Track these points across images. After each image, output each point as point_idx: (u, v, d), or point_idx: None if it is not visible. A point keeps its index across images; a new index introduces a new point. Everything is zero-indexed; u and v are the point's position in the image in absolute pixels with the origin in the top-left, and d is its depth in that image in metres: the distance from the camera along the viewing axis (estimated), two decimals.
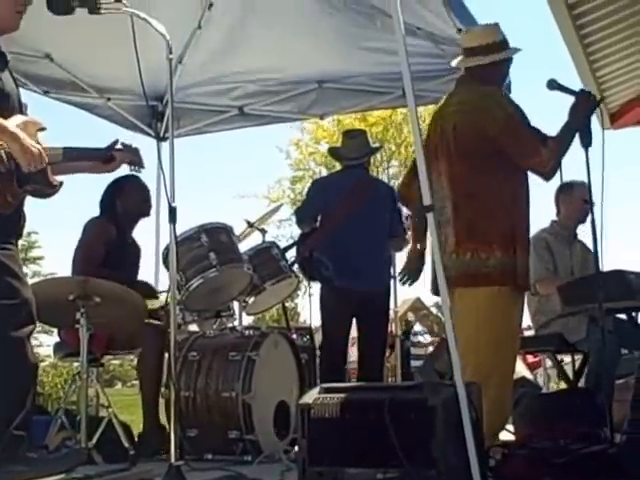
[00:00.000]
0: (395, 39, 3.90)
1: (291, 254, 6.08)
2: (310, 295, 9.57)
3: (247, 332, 5.43)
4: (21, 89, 3.76)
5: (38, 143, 3.49)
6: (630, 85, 7.99)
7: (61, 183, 3.65)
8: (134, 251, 5.73)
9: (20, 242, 3.72)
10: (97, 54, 6.46)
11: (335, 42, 6.40)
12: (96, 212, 5.61)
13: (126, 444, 4.59)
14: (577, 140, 4.18)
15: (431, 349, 10.34)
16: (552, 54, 28.44)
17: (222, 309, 5.66)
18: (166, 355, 4.92)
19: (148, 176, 5.37)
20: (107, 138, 4.22)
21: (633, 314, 5.29)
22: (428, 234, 4.42)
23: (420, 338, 11.36)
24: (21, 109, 3.62)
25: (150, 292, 5.74)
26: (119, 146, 4.21)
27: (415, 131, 3.90)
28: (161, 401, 5.08)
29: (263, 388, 4.95)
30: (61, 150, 3.73)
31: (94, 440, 4.47)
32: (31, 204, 3.64)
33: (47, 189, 3.60)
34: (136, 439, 5.02)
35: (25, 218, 3.61)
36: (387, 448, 3.40)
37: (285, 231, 22.49)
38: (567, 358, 6.41)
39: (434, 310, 19.56)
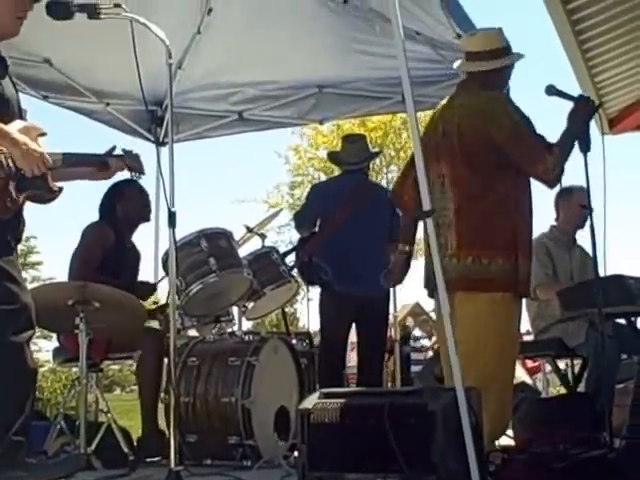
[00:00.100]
0: (394, 44, 3.90)
1: (290, 259, 6.08)
2: (309, 300, 9.59)
3: (247, 337, 5.42)
4: (20, 94, 3.75)
5: (39, 148, 3.49)
6: (629, 90, 7.99)
7: (61, 189, 3.65)
8: (134, 255, 5.73)
9: (19, 247, 3.72)
10: (96, 59, 6.47)
11: (334, 47, 6.41)
12: (95, 217, 5.61)
13: (125, 449, 4.58)
14: (576, 145, 4.19)
15: (431, 354, 10.34)
16: (551, 59, 28.50)
17: (221, 314, 5.66)
18: (165, 360, 4.92)
19: (147, 181, 5.37)
20: (106, 143, 4.24)
21: (632, 319, 5.28)
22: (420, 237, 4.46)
23: (421, 342, 11.35)
24: (21, 114, 3.62)
25: (150, 290, 5.76)
26: (118, 152, 4.21)
27: (415, 137, 3.91)
28: (160, 406, 5.09)
29: (263, 393, 4.95)
30: (61, 156, 3.73)
31: (93, 445, 4.46)
32: (30, 209, 3.64)
33: (47, 194, 3.60)
34: (135, 444, 5.01)
35: (25, 223, 3.61)
36: (387, 453, 3.40)
37: (284, 236, 22.49)
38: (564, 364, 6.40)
39: (434, 315, 19.51)
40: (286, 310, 6.98)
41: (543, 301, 5.72)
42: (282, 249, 6.35)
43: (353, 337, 6.36)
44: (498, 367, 4.23)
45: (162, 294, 6.09)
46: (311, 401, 3.72)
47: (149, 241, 7.19)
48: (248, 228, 6.19)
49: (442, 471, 3.36)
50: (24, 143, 3.40)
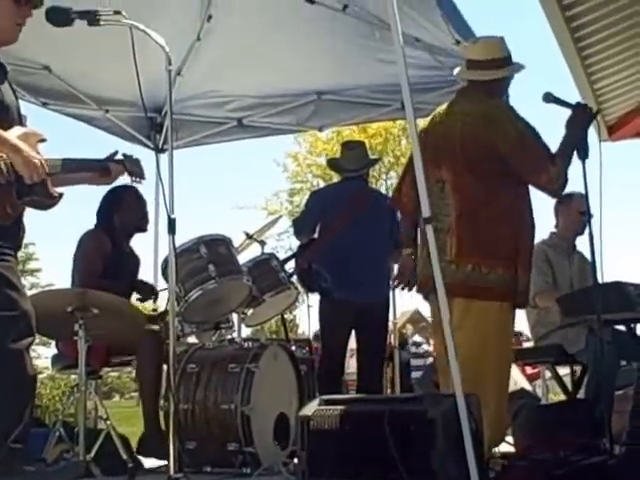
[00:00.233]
0: (394, 50, 3.91)
1: (290, 266, 6.08)
2: (309, 307, 9.58)
3: (246, 344, 5.42)
4: (20, 101, 3.75)
5: (38, 154, 3.49)
6: (628, 97, 8.00)
7: (61, 194, 3.64)
8: (133, 260, 5.73)
9: (18, 254, 3.71)
10: (96, 66, 6.48)
11: (334, 54, 6.42)
12: (93, 223, 5.60)
13: (124, 457, 4.57)
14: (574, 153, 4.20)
15: (431, 360, 10.32)
16: (550, 66, 28.54)
17: (221, 321, 5.64)
18: (165, 367, 4.91)
19: (147, 188, 5.37)
20: (106, 150, 4.22)
21: (632, 325, 5.28)
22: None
23: (424, 348, 11.33)
24: (21, 121, 3.62)
25: (152, 290, 5.76)
26: (119, 157, 4.21)
27: (414, 144, 3.91)
28: (160, 413, 5.07)
29: (262, 400, 4.93)
30: (60, 161, 3.72)
31: (92, 453, 4.44)
32: (28, 216, 3.63)
33: (47, 200, 3.59)
34: (137, 445, 5.01)
35: (24, 230, 3.60)
36: (387, 460, 3.39)
37: (284, 243, 22.47)
38: (565, 370, 6.39)
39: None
40: (285, 317, 6.98)
41: (543, 308, 5.72)
42: (281, 256, 6.36)
43: (353, 344, 6.35)
44: (496, 374, 4.24)
45: (162, 301, 6.08)
46: (311, 408, 3.72)
47: (148, 248, 7.19)
48: (247, 235, 6.18)
49: (442, 478, 3.36)
50: (23, 149, 3.40)
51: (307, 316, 9.93)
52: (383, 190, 18.83)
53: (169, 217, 3.87)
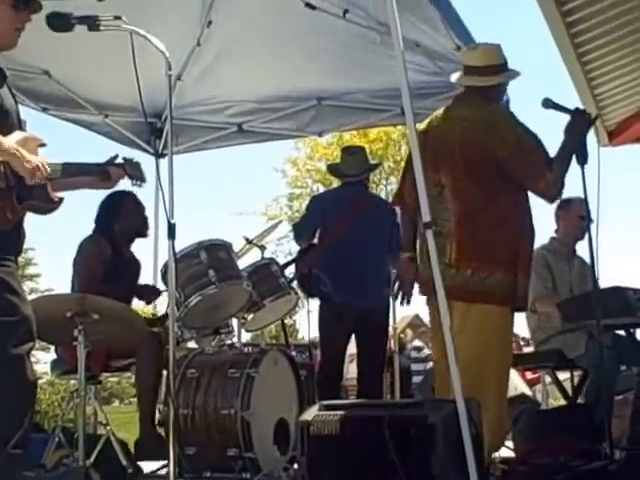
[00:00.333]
0: (394, 56, 3.91)
1: (290, 271, 6.08)
2: (309, 312, 9.57)
3: (246, 349, 5.42)
4: (19, 106, 3.75)
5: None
6: (628, 102, 8.00)
7: (61, 199, 3.64)
8: (133, 265, 5.73)
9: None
10: (96, 71, 6.48)
11: (334, 59, 6.43)
12: (92, 230, 5.60)
13: (124, 462, 4.56)
14: (573, 158, 4.21)
15: (431, 364, 10.31)
16: (550, 72, 28.54)
17: (221, 326, 5.64)
18: (165, 372, 4.91)
19: (147, 193, 5.37)
20: (105, 155, 4.22)
21: (632, 330, 5.29)
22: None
23: (424, 352, 11.32)
24: (20, 126, 3.61)
25: (155, 292, 5.77)
26: (119, 161, 4.21)
27: (414, 148, 3.91)
28: (159, 417, 5.07)
29: (262, 405, 4.93)
30: (60, 166, 3.72)
31: (92, 458, 4.43)
32: (27, 221, 3.63)
33: (47, 205, 3.59)
34: (133, 448, 5.00)
35: (25, 235, 3.60)
36: (387, 466, 3.39)
37: (283, 247, 22.49)
38: (565, 375, 6.39)
39: None
40: (285, 322, 6.97)
41: (543, 313, 5.72)
42: (281, 260, 6.35)
43: (353, 349, 6.35)
44: (497, 378, 4.24)
45: (161, 305, 6.09)
46: (311, 413, 3.72)
47: (148, 253, 7.19)
48: (247, 240, 6.18)
49: None
50: (23, 153, 3.39)
51: (307, 321, 9.92)
52: (383, 195, 18.87)
53: (169, 222, 3.87)
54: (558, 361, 5.73)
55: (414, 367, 10.61)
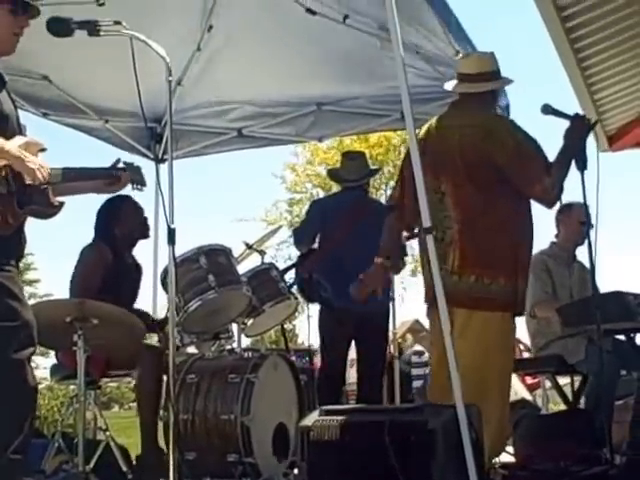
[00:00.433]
0: (394, 61, 3.92)
1: (290, 276, 6.08)
2: (309, 317, 9.57)
3: (246, 354, 5.42)
4: (19, 111, 3.75)
5: None
6: (628, 107, 8.02)
7: (62, 203, 3.64)
8: (135, 270, 5.72)
9: None
10: (96, 76, 6.48)
11: (334, 64, 6.42)
12: (92, 232, 5.59)
13: (124, 468, 4.56)
14: (573, 164, 4.21)
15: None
16: (550, 77, 28.58)
17: (221, 331, 5.64)
18: (165, 377, 4.90)
19: (146, 198, 5.37)
20: (106, 160, 4.23)
21: (632, 335, 5.29)
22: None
23: (425, 357, 11.30)
24: (20, 130, 3.62)
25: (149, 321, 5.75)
26: (121, 165, 4.21)
27: (414, 154, 3.91)
28: (159, 424, 5.06)
29: (262, 410, 4.93)
30: (60, 171, 3.73)
31: (92, 464, 4.43)
32: (27, 225, 3.62)
33: (48, 210, 3.59)
34: (134, 462, 4.99)
35: (26, 240, 3.60)
36: (387, 471, 3.38)
37: (283, 252, 22.47)
38: (565, 379, 6.39)
39: None
40: (285, 327, 6.97)
41: (543, 318, 5.71)
42: (281, 265, 6.35)
43: (353, 354, 6.34)
44: (499, 384, 4.24)
45: (161, 310, 6.08)
46: (311, 418, 3.71)
47: (148, 258, 7.18)
48: (247, 245, 6.18)
49: None
50: (24, 155, 3.40)
51: (307, 326, 9.92)
52: (383, 200, 18.82)
53: (169, 227, 3.87)
54: (558, 366, 5.73)
55: (414, 372, 10.58)
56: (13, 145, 3.40)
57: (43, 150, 3.57)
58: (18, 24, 3.57)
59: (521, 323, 5.29)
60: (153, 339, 5.92)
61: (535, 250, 5.72)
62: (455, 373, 3.55)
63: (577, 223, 5.77)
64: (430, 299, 4.28)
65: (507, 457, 5.11)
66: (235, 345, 5.69)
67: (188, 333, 5.42)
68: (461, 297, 4.17)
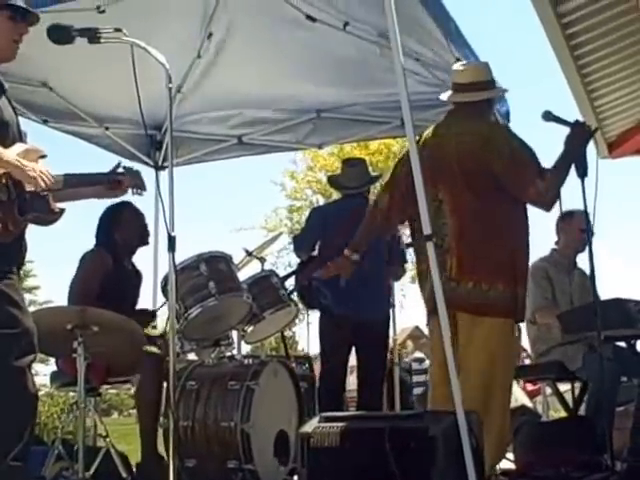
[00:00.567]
0: (394, 68, 3.92)
1: (290, 283, 6.08)
2: (309, 324, 9.56)
3: (246, 361, 5.41)
4: (20, 118, 3.75)
5: None
6: (628, 115, 8.03)
7: (62, 210, 3.64)
8: (135, 277, 5.73)
9: None
10: (96, 83, 6.48)
11: (333, 71, 6.43)
12: (91, 239, 5.61)
13: (124, 474, 4.55)
14: (573, 170, 4.22)
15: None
16: (550, 84, 28.61)
17: (221, 338, 5.63)
18: (165, 384, 4.90)
19: (147, 205, 5.37)
20: (106, 166, 4.22)
21: (632, 342, 5.28)
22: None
23: (425, 364, 11.29)
24: (21, 137, 3.62)
25: (149, 317, 5.75)
26: (120, 169, 4.21)
27: (414, 161, 3.91)
28: (159, 431, 5.06)
29: (262, 417, 4.92)
30: (62, 177, 3.73)
31: (92, 471, 4.43)
32: (26, 232, 3.62)
33: (49, 216, 3.59)
34: (134, 469, 4.98)
35: (27, 247, 3.59)
36: (388, 477, 3.38)
37: (283, 259, 22.47)
38: (565, 386, 6.38)
39: None
40: (285, 334, 6.96)
41: (543, 325, 5.71)
42: (281, 272, 6.35)
43: (353, 361, 6.34)
44: (502, 390, 4.24)
45: (161, 319, 6.07)
46: (311, 425, 3.71)
47: (148, 265, 7.18)
48: (247, 252, 6.18)
49: None
50: (25, 163, 3.40)
51: (306, 333, 9.91)
52: None
53: (169, 234, 3.87)
54: (559, 373, 5.72)
55: (415, 379, 10.57)
56: (12, 154, 3.40)
57: (43, 157, 3.57)
58: (17, 31, 3.58)
59: (521, 329, 5.30)
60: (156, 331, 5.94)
61: (535, 257, 5.76)
62: (455, 380, 3.55)
63: (577, 230, 5.78)
64: (431, 308, 4.28)
65: (507, 464, 5.11)
66: (235, 352, 5.68)
67: (188, 340, 5.42)
68: (461, 302, 4.18)
